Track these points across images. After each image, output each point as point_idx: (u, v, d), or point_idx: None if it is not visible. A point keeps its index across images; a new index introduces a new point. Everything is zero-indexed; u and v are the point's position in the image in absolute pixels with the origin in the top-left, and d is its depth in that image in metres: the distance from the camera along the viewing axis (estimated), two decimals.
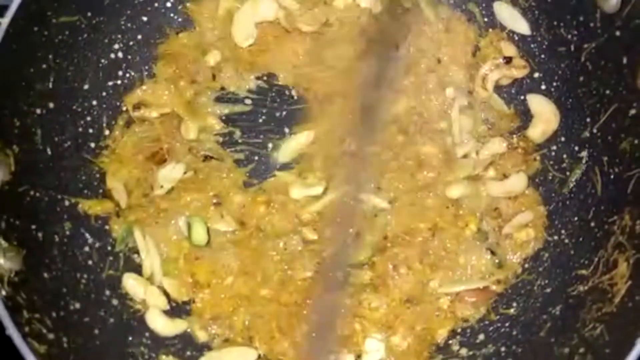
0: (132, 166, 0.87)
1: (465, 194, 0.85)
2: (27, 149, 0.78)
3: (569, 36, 0.85)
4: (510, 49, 0.90)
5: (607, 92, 0.81)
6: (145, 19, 0.91)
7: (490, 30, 0.92)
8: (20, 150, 0.76)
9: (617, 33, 0.78)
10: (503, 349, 0.79)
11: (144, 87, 0.90)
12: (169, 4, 0.93)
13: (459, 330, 0.83)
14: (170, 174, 0.87)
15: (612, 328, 0.69)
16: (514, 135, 0.89)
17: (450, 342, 0.83)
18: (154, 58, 0.92)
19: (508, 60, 0.89)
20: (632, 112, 0.77)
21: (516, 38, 0.91)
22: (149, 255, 0.84)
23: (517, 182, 0.86)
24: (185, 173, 0.87)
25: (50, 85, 0.81)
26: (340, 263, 0.83)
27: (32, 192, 0.77)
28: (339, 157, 0.86)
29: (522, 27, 0.90)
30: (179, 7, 0.93)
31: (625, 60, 0.78)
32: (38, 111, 0.80)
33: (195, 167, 0.88)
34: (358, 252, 0.84)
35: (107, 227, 0.85)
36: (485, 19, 0.93)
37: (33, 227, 0.76)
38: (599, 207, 0.80)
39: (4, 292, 0.66)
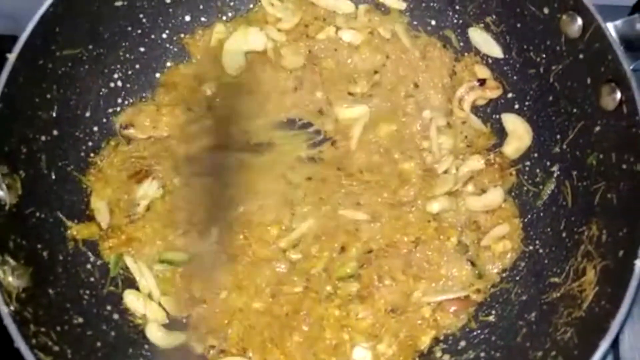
0: (115, 185, 0.91)
1: (445, 209, 0.90)
2: (33, 173, 0.83)
3: (538, 59, 0.91)
4: (483, 72, 0.96)
5: (575, 110, 0.86)
6: (142, 49, 0.97)
7: (466, 54, 0.98)
8: (27, 175, 0.82)
9: (581, 56, 0.84)
10: (483, 354, 0.84)
11: (138, 107, 0.94)
12: (164, 36, 0.99)
13: (442, 337, 0.88)
14: (147, 190, 0.90)
15: (581, 331, 0.74)
16: (491, 152, 0.95)
17: (433, 349, 0.87)
18: (153, 85, 0.98)
19: (482, 82, 0.95)
20: (597, 129, 0.82)
21: (490, 61, 0.97)
22: (144, 277, 0.89)
23: (494, 196, 0.91)
24: (162, 189, 0.91)
25: (54, 114, 0.87)
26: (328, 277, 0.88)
27: (37, 214, 0.83)
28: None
29: (495, 51, 0.96)
30: (174, 39, 1.00)
31: (589, 81, 0.83)
32: (43, 138, 0.85)
33: (172, 188, 0.92)
34: (345, 265, 0.89)
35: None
36: (461, 44, 0.99)
37: (39, 246, 0.81)
38: (569, 219, 0.85)
39: (12, 307, 0.71)
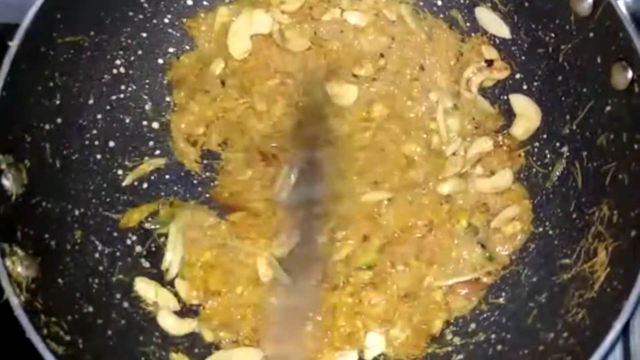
0: None
1: (456, 190, 0.89)
2: (38, 163, 0.82)
3: (547, 38, 0.89)
4: (491, 52, 0.95)
5: (584, 90, 0.85)
6: (144, 35, 0.96)
7: (473, 35, 0.97)
8: (32, 164, 0.81)
9: (591, 35, 0.82)
10: (493, 336, 0.84)
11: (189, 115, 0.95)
12: (166, 20, 0.97)
13: (452, 320, 0.88)
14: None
15: (593, 313, 0.74)
16: (499, 134, 0.94)
17: (444, 332, 0.87)
18: (155, 72, 0.97)
19: (489, 63, 0.94)
20: (608, 108, 0.81)
21: (497, 42, 0.96)
22: (175, 251, 0.89)
23: (503, 178, 0.91)
24: None
25: (58, 102, 0.86)
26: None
27: (43, 204, 0.82)
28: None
29: (503, 31, 0.94)
30: (177, 23, 0.98)
31: (599, 60, 0.82)
32: (47, 127, 0.84)
33: None
34: (366, 255, 0.88)
35: (115, 234, 0.90)
36: (468, 24, 0.98)
37: (46, 236, 0.81)
38: (579, 200, 0.85)
39: (22, 298, 0.71)
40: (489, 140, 0.92)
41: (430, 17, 0.98)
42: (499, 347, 0.82)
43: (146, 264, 0.91)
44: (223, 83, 0.96)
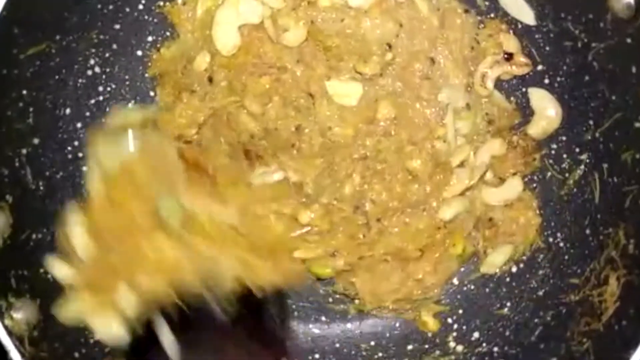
0: None
1: (459, 213, 0.84)
2: (20, 193, 0.77)
3: (577, 31, 0.78)
4: (511, 43, 0.83)
5: (613, 97, 0.77)
6: (118, 27, 0.84)
7: (491, 18, 0.85)
8: (14, 198, 0.76)
9: (628, 40, 0.72)
10: (496, 349, 0.85)
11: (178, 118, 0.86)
12: (140, 7, 0.85)
13: (455, 326, 0.88)
14: None
15: (598, 347, 0.74)
16: (514, 133, 0.86)
17: (446, 338, 0.88)
18: (133, 65, 0.87)
19: (509, 56, 0.83)
20: (637, 124, 0.74)
21: (520, 27, 0.84)
22: None
23: (514, 187, 0.85)
24: None
25: (31, 122, 0.78)
26: None
27: (33, 236, 0.78)
28: None
29: (527, 16, 0.82)
30: (153, 8, 0.86)
31: (634, 70, 0.73)
32: (24, 151, 0.78)
33: None
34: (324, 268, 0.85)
35: None
36: (487, 3, 0.85)
37: (41, 270, 0.78)
38: (595, 215, 0.80)
39: (27, 355, 0.71)
40: (502, 142, 0.85)
41: None
42: None
43: None
44: (210, 80, 0.86)
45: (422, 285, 0.87)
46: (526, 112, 0.86)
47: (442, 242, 0.85)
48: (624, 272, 0.74)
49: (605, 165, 0.79)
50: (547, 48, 0.83)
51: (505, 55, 0.83)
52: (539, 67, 0.85)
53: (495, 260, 0.87)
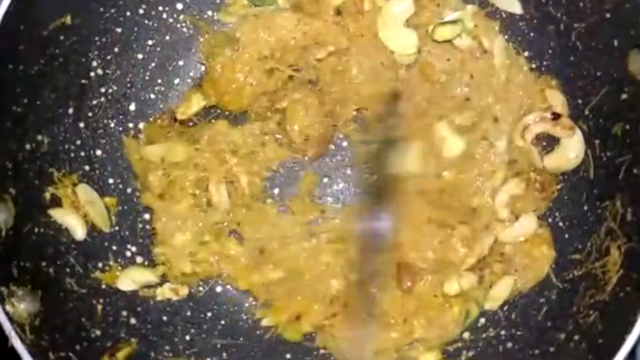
0: None
1: (467, 287, 0.81)
2: (23, 187, 0.79)
3: (559, 15, 0.82)
4: (556, 99, 0.83)
5: (598, 74, 0.80)
6: (119, 30, 0.88)
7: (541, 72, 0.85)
8: (17, 191, 0.77)
9: (607, 15, 0.76)
10: (503, 332, 0.84)
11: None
12: (141, 11, 0.89)
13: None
14: None
15: (605, 317, 0.73)
16: (532, 170, 0.84)
17: None
18: (137, 69, 0.90)
19: (556, 116, 0.82)
20: (624, 96, 0.76)
21: (504, 16, 0.88)
22: None
23: (528, 223, 0.83)
24: None
25: (35, 118, 0.80)
26: None
27: (36, 230, 0.79)
28: None
29: (513, 5, 0.86)
30: (153, 13, 0.90)
31: (616, 43, 0.76)
32: (28, 147, 0.80)
33: None
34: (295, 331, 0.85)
35: (114, 247, 0.88)
36: None
37: (43, 264, 0.79)
38: (591, 191, 0.81)
39: (28, 342, 0.70)
40: (519, 181, 0.83)
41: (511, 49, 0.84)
42: (509, 345, 0.82)
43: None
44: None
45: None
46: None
47: (439, 306, 0.83)
48: (624, 240, 0.74)
49: (597, 142, 0.81)
50: (532, 34, 0.87)
51: (552, 115, 0.82)
52: (526, 53, 0.87)
53: (498, 295, 0.84)
